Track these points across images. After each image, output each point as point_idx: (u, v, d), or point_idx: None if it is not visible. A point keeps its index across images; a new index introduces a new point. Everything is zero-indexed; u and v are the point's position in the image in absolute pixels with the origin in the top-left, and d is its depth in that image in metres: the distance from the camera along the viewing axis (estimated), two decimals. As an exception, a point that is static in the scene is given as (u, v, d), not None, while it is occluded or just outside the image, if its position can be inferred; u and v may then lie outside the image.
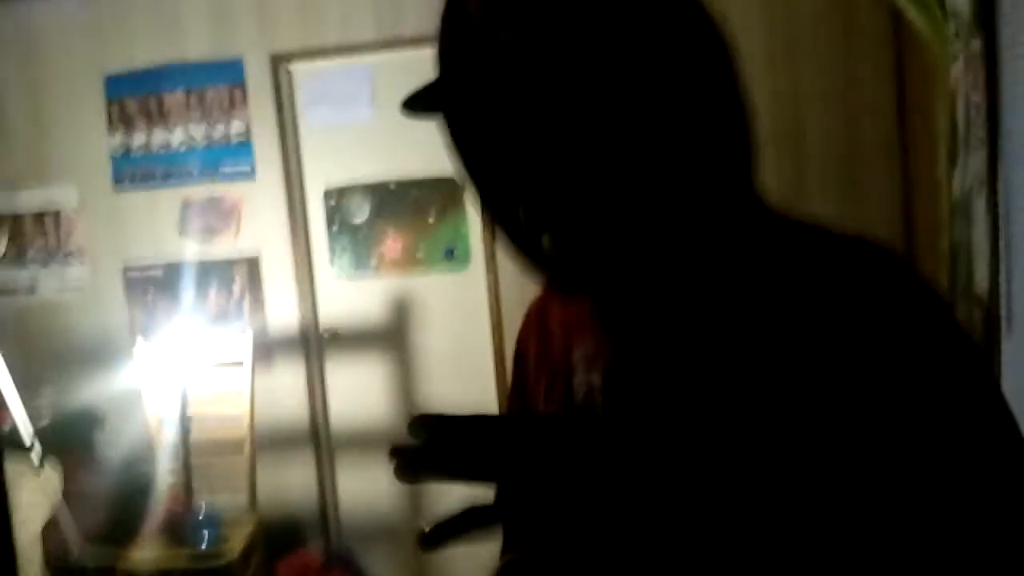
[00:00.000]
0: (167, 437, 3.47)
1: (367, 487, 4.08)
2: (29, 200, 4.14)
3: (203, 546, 3.25)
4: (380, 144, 3.92)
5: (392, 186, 3.93)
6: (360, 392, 4.04)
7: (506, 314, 3.85)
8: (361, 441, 4.08)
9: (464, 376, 3.94)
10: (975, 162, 2.17)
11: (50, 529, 3.38)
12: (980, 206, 2.09)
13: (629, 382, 0.80)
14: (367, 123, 3.92)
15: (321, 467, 4.07)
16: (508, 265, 3.87)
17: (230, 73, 3.95)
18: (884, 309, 0.69)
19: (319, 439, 4.05)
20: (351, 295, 4.01)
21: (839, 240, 0.75)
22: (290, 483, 4.02)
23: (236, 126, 3.96)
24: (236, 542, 3.28)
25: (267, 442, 3.78)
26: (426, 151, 3.87)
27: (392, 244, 3.95)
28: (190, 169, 4.00)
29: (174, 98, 3.99)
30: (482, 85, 0.75)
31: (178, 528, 3.29)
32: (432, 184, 3.88)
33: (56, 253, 4.12)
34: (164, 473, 3.49)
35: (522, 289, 3.83)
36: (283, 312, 4.01)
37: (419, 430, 0.71)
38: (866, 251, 0.73)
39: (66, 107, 4.08)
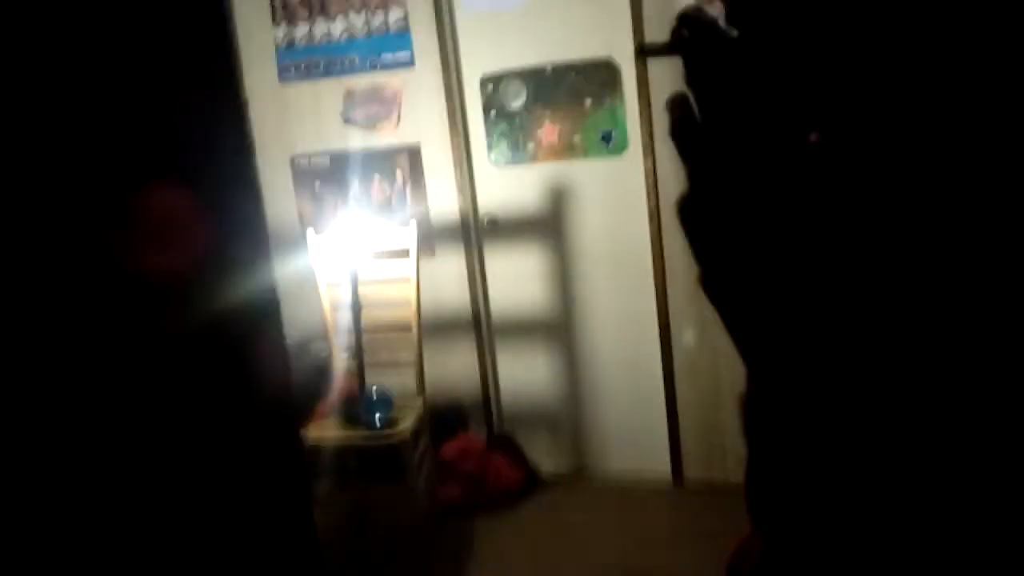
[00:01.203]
0: (340, 319, 3.61)
1: (526, 374, 4.16)
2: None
3: (375, 425, 3.39)
4: (536, 29, 3.86)
5: (548, 71, 3.88)
6: (519, 279, 4.08)
7: (664, 200, 3.79)
8: (520, 328, 4.14)
9: (621, 262, 3.93)
10: None
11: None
12: None
13: None
14: (522, 8, 3.86)
15: (482, 353, 4.16)
16: (665, 151, 3.81)
17: (387, -40, 3.95)
18: None
19: (480, 326, 4.14)
20: (509, 182, 4.02)
21: None
22: (453, 369, 4.13)
23: (395, 14, 3.97)
24: (406, 423, 3.41)
25: (431, 328, 3.89)
26: (582, 35, 3.80)
27: (549, 130, 3.92)
28: (352, 59, 4.06)
29: (334, -12, 4.03)
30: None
31: (352, 407, 3.43)
32: (588, 68, 3.82)
33: (227, 145, 4.27)
34: (338, 355, 3.64)
35: (679, 175, 3.74)
36: (444, 200, 4.07)
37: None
38: None
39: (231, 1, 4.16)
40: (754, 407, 0.59)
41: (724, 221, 0.54)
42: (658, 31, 3.60)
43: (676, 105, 0.57)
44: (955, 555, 0.50)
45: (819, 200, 0.50)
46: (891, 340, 0.50)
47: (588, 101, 3.87)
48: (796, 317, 0.53)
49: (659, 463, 3.97)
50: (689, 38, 0.58)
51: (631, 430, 4.02)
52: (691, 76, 0.59)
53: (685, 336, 3.82)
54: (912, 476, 0.50)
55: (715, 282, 0.55)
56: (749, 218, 0.52)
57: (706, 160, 0.55)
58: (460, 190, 4.04)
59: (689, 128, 0.57)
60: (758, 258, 0.53)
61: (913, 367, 0.49)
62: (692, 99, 0.58)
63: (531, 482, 4.02)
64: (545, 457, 4.15)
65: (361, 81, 4.07)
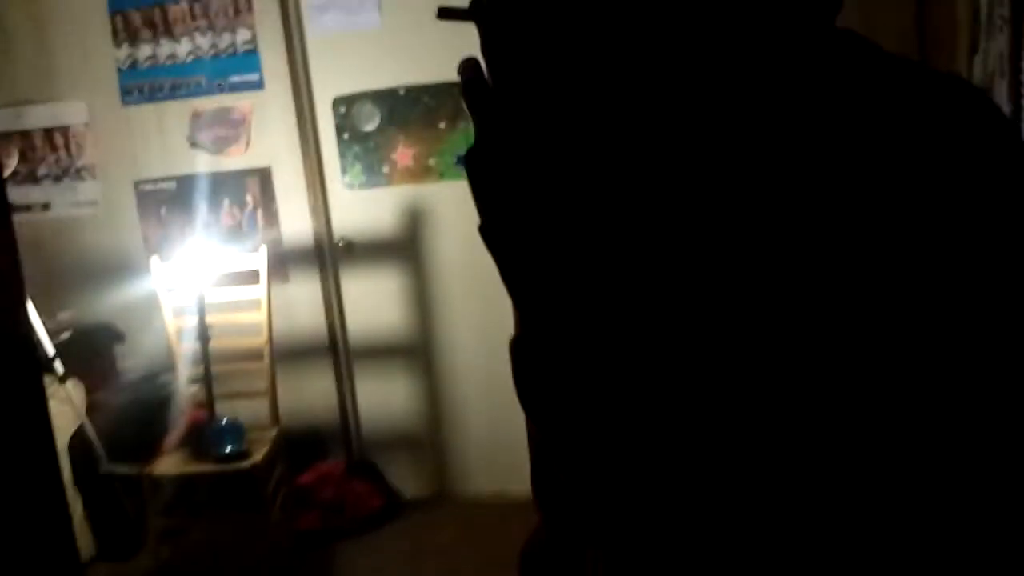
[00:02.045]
0: (187, 348, 3.50)
1: (385, 397, 4.12)
2: (38, 117, 4.11)
3: (225, 456, 3.30)
4: (388, 51, 3.85)
5: (402, 93, 3.88)
6: (376, 302, 4.05)
7: (520, 221, 3.81)
8: (379, 351, 4.10)
9: (478, 283, 3.94)
10: (997, 45, 2.12)
11: (76, 442, 3.43)
12: (1002, 89, 2.04)
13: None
14: (374, 30, 3.85)
15: (340, 378, 4.10)
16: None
17: (233, -19, 3.88)
18: (964, 144, 0.54)
19: (337, 350, 4.08)
20: (364, 205, 3.99)
21: (928, 73, 0.59)
22: (310, 395, 4.06)
23: (242, 35, 3.90)
24: (259, 452, 3.33)
25: (287, 355, 3.81)
26: (435, 57, 3.81)
27: (404, 153, 3.92)
28: (198, 80, 3.96)
29: (178, 8, 3.93)
30: None
31: (201, 438, 3.33)
32: (442, 90, 3.83)
33: (68, 170, 4.11)
34: (185, 384, 3.53)
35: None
36: (297, 223, 4.00)
37: None
38: (957, 87, 0.58)
39: (70, 22, 4.02)
40: (523, 350, 0.63)
41: (506, 171, 0.57)
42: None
43: (468, 67, 0.61)
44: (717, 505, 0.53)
45: (590, 156, 0.54)
46: (644, 290, 0.53)
47: (442, 124, 3.88)
48: (564, 261, 0.57)
49: (522, 480, 3.95)
50: (486, 5, 0.61)
51: (493, 449, 4.03)
52: (485, 41, 0.63)
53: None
54: (666, 415, 0.52)
55: (493, 229, 0.59)
56: (529, 169, 0.55)
57: (493, 116, 0.59)
58: (314, 213, 3.99)
59: (480, 87, 0.61)
60: (534, 205, 0.56)
61: (664, 313, 0.52)
62: (484, 63, 0.63)
63: (392, 507, 3.98)
64: (407, 481, 4.11)
65: (208, 103, 3.98)
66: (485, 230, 0.60)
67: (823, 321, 0.51)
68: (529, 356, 0.63)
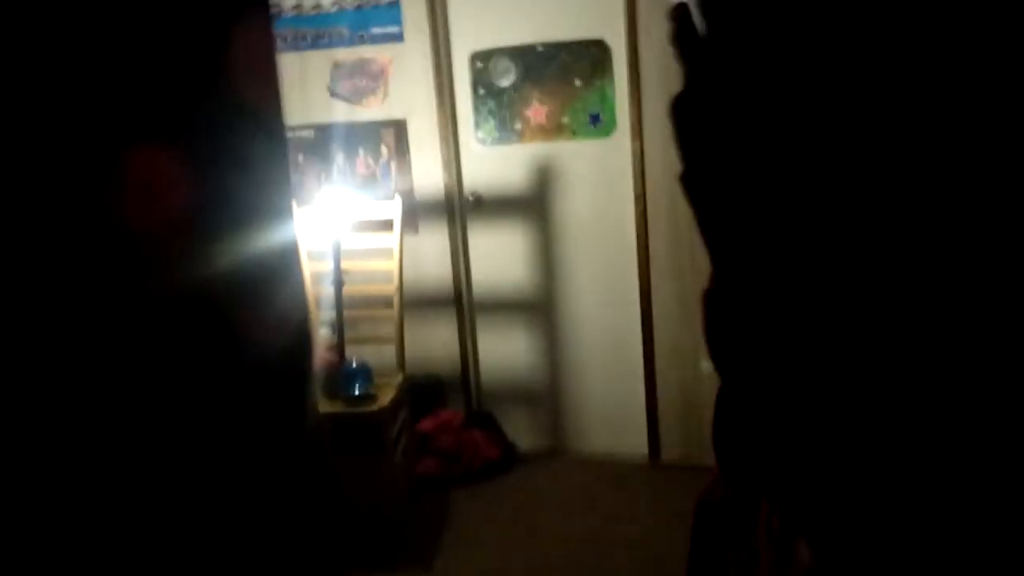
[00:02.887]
0: (321, 292, 3.60)
1: (506, 351, 4.17)
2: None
3: (354, 397, 3.40)
4: (527, 7, 3.85)
5: (539, 49, 3.88)
6: (502, 258, 4.09)
7: (650, 182, 3.80)
8: (501, 306, 4.16)
9: (605, 244, 3.94)
10: None
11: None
12: None
13: None
14: (514, -15, 3.86)
15: (463, 330, 4.18)
16: (653, 134, 3.82)
17: (379, -67, 3.93)
18: None
19: (461, 303, 4.15)
20: (495, 161, 4.02)
21: None
22: (434, 345, 4.14)
23: (385, -13, 3.96)
24: (385, 395, 3.42)
25: (413, 304, 3.89)
26: (574, 14, 3.79)
27: (537, 109, 3.93)
28: (340, 31, 4.04)
29: (324, -41, 4.01)
30: None
31: (332, 379, 3.44)
32: (579, 48, 3.82)
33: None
34: (319, 326, 3.64)
35: (666, 158, 3.79)
36: (428, 176, 4.06)
37: None
38: None
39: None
40: (716, 302, 0.61)
41: (714, 117, 0.55)
42: (650, 12, 3.61)
43: (678, 14, 0.59)
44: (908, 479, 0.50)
45: (811, 113, 0.51)
46: (861, 260, 0.51)
47: (578, 81, 3.87)
48: (772, 217, 0.54)
49: (636, 442, 4.00)
50: None
51: (610, 409, 4.05)
52: None
53: (666, 316, 3.84)
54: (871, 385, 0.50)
55: (696, 177, 0.57)
56: (739, 118, 0.54)
57: (706, 64, 0.57)
58: (446, 167, 4.04)
59: (691, 34, 0.59)
60: (742, 157, 0.54)
61: (881, 286, 0.50)
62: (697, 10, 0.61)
63: (508, 458, 4.04)
64: (523, 434, 4.17)
65: (349, 54, 4.05)
66: (687, 178, 0.59)
67: None
68: (722, 308, 0.62)
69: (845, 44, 0.52)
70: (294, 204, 0.56)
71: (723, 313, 0.63)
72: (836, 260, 0.53)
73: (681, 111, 0.60)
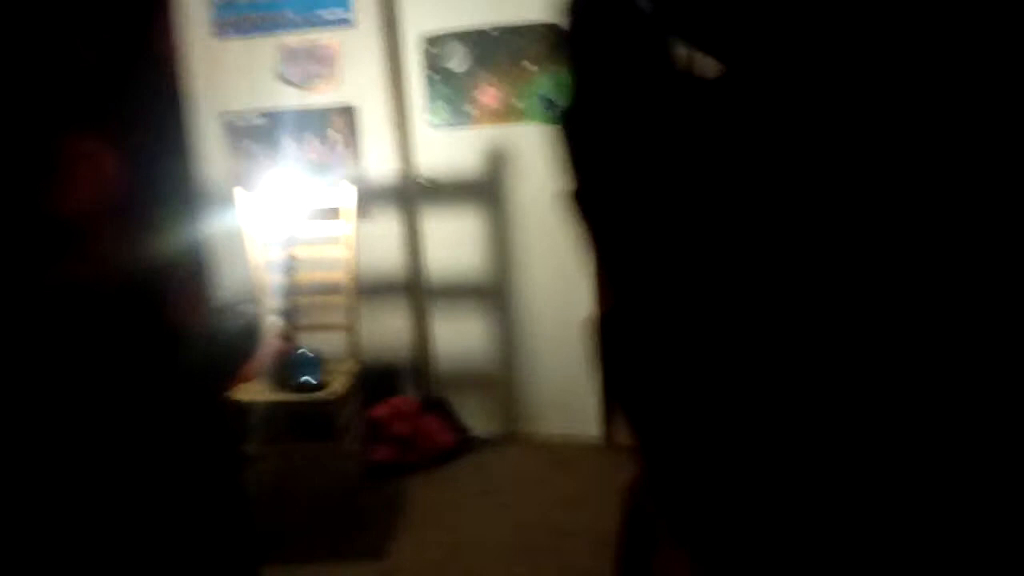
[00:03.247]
0: (270, 280, 3.57)
1: (460, 337, 4.16)
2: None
3: (305, 386, 3.37)
4: (477, -10, 3.83)
5: (491, 33, 3.85)
6: (455, 242, 4.07)
7: (602, 167, 3.80)
8: (456, 291, 4.14)
9: (559, 227, 3.93)
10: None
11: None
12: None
13: None
14: (464, -32, 3.83)
15: (417, 316, 4.16)
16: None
17: (326, -85, 3.88)
18: None
19: (415, 289, 4.13)
20: (447, 145, 4.00)
21: None
22: (388, 331, 4.12)
23: (333, -30, 3.91)
24: (337, 383, 3.40)
25: (366, 291, 3.87)
26: (525, -3, 3.77)
27: (489, 93, 3.91)
28: (289, 15, 3.99)
29: (271, -58, 3.95)
30: None
31: (282, 367, 3.41)
32: (531, 31, 3.80)
33: (159, 100, 4.18)
34: (268, 315, 3.61)
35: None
36: (380, 161, 4.03)
37: None
38: None
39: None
40: (611, 325, 0.60)
41: (605, 134, 0.53)
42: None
43: (569, 26, 0.58)
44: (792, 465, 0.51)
45: (702, 124, 0.50)
46: (743, 269, 0.50)
47: (531, 65, 3.85)
48: (663, 233, 0.52)
49: (590, 426, 4.01)
50: None
51: (563, 392, 4.06)
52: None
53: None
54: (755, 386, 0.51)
55: (589, 195, 0.55)
56: (630, 132, 0.52)
57: (597, 75, 0.55)
58: (397, 152, 4.01)
59: (580, 45, 0.57)
60: (634, 173, 0.53)
61: (760, 291, 0.49)
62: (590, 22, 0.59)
63: (463, 444, 4.04)
64: (478, 419, 4.17)
65: (298, 39, 4.01)
66: (581, 195, 0.56)
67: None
68: (619, 332, 0.60)
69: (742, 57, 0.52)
70: (197, 193, 0.55)
71: (620, 336, 0.61)
72: (728, 282, 0.52)
73: (572, 125, 0.57)
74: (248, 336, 3.67)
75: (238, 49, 4.06)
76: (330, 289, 3.61)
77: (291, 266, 3.49)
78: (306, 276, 3.59)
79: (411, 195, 4.05)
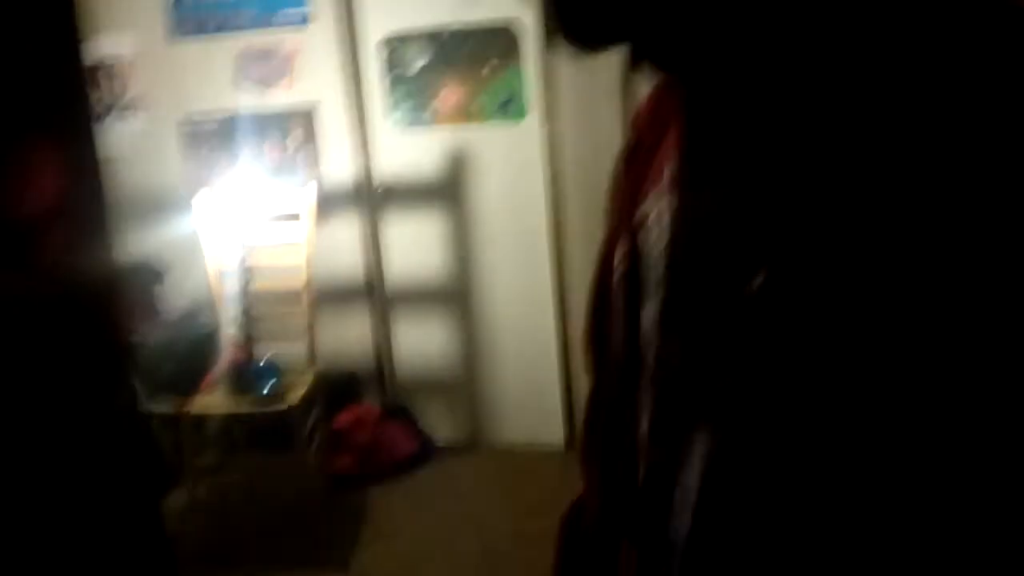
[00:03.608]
0: (227, 288, 3.51)
1: (422, 342, 4.12)
2: (84, 52, 4.10)
3: (263, 396, 3.32)
4: (437, -10, 3.78)
5: (450, 33, 3.81)
6: (416, 246, 4.03)
7: (561, 168, 3.78)
8: (416, 296, 4.10)
9: (519, 229, 3.90)
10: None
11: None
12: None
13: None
14: (423, -32, 3.78)
15: (377, 322, 4.11)
16: (565, 118, 3.79)
17: (281, -86, 3.82)
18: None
19: (374, 294, 4.08)
20: (407, 147, 3.95)
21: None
22: (347, 337, 4.07)
23: (289, -29, 3.85)
24: (296, 392, 3.34)
25: (325, 296, 3.81)
26: (485, -2, 3.74)
27: (448, 95, 3.86)
28: (245, 15, 3.91)
29: (225, -59, 3.88)
30: None
31: (240, 377, 3.35)
32: (490, 33, 3.76)
33: (113, 106, 4.09)
34: (226, 323, 3.54)
35: (578, 143, 3.77)
36: (339, 164, 3.98)
37: None
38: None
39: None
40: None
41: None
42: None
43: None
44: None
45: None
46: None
47: (489, 66, 3.81)
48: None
49: (554, 431, 3.98)
50: None
51: (526, 398, 4.03)
52: None
53: (581, 303, 3.82)
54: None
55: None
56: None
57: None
58: (356, 154, 3.96)
59: None
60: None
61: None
62: None
63: (426, 451, 4.00)
64: (440, 426, 4.12)
65: (255, 40, 3.93)
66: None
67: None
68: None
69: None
70: (104, 199, 0.52)
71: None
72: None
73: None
74: (206, 346, 3.60)
75: (195, 51, 3.98)
76: (289, 296, 3.54)
77: (247, 273, 3.42)
78: (264, 283, 3.53)
79: (371, 198, 3.99)
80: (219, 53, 3.96)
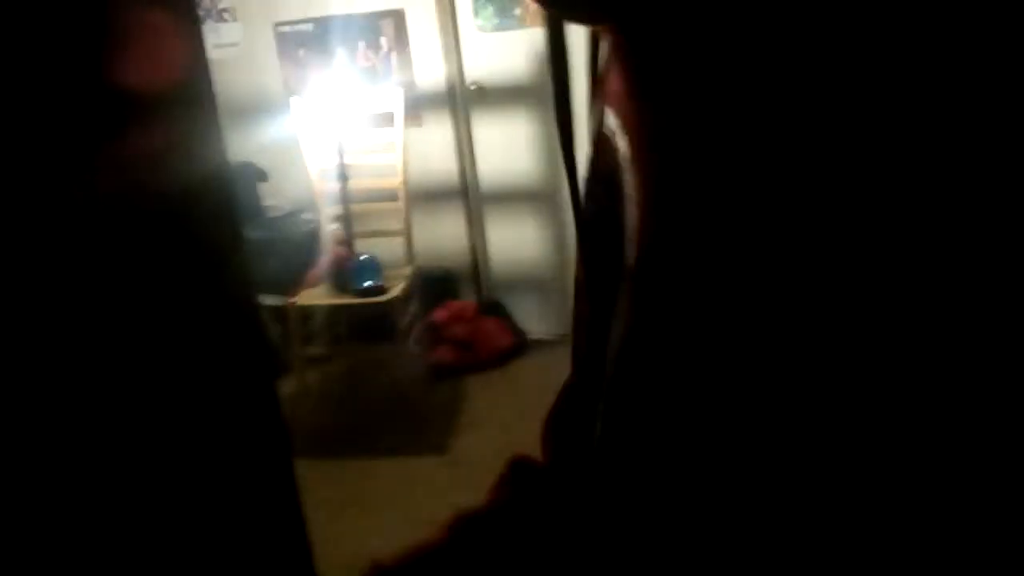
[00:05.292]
0: (327, 187, 3.63)
1: (514, 240, 4.20)
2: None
3: (365, 291, 3.45)
4: None
5: (536, -69, 3.79)
6: (507, 146, 4.08)
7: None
8: (509, 195, 4.17)
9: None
10: None
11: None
12: None
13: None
14: None
15: (471, 221, 4.20)
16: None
17: None
18: None
19: (468, 194, 4.16)
20: (496, 47, 3.98)
21: None
22: (443, 236, 4.18)
23: None
24: (395, 288, 3.47)
25: (420, 197, 3.91)
26: None
27: (536, -6, 3.86)
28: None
29: None
30: None
31: (342, 272, 3.49)
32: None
33: (210, 12, 4.20)
34: (326, 221, 3.68)
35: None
36: (430, 66, 4.03)
37: None
38: None
39: None
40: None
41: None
42: None
43: None
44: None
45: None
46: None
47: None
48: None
49: (645, 326, 4.04)
50: None
51: (618, 294, 4.08)
52: None
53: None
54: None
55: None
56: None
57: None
58: (446, 56, 4.00)
59: None
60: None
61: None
62: None
63: (520, 345, 4.12)
64: (533, 321, 4.23)
65: (345, -57, 3.98)
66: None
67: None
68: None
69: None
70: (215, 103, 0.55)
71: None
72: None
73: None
74: (309, 243, 3.75)
75: (286, -44, 4.05)
76: (385, 196, 3.66)
77: (345, 173, 3.53)
78: (361, 183, 3.64)
79: (461, 100, 4.05)
80: (311, -42, 4.03)
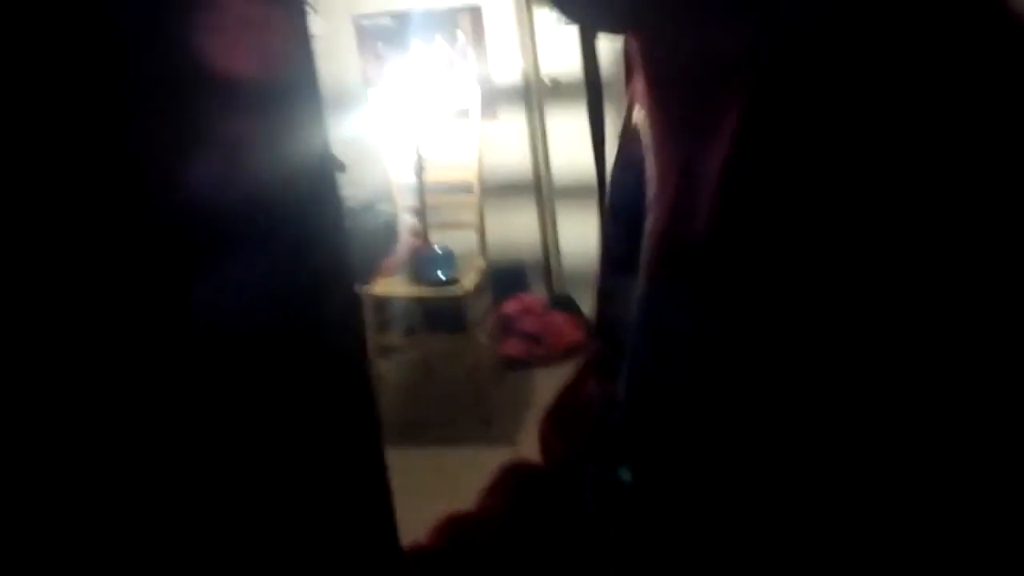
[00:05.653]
0: (402, 180, 3.67)
1: (585, 236, 4.20)
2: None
3: (439, 281, 3.49)
4: None
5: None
6: (581, 142, 4.07)
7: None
8: (581, 191, 4.17)
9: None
10: None
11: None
12: None
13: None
14: None
15: (543, 216, 4.21)
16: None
17: None
18: None
19: (541, 187, 4.17)
20: (573, 43, 3.98)
21: None
22: (515, 229, 4.20)
23: None
24: (469, 278, 3.50)
25: (493, 190, 3.93)
26: None
27: (615, -11, 3.85)
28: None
29: None
30: None
31: (417, 263, 3.53)
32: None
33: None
34: (403, 215, 3.72)
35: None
36: (506, 61, 4.05)
37: None
38: None
39: None
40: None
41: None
42: None
43: None
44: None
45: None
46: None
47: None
48: None
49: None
50: None
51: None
52: None
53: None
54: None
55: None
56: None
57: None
58: (523, 51, 4.02)
59: None
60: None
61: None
62: None
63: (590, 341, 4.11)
64: (604, 317, 4.22)
65: (424, -62, 4.02)
66: None
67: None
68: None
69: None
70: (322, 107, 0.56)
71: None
72: None
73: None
74: (385, 234, 3.80)
75: (366, -49, 4.10)
76: (459, 189, 3.69)
77: (422, 166, 3.57)
78: (437, 176, 3.67)
79: (539, 94, 4.06)
80: (391, -48, 4.07)
